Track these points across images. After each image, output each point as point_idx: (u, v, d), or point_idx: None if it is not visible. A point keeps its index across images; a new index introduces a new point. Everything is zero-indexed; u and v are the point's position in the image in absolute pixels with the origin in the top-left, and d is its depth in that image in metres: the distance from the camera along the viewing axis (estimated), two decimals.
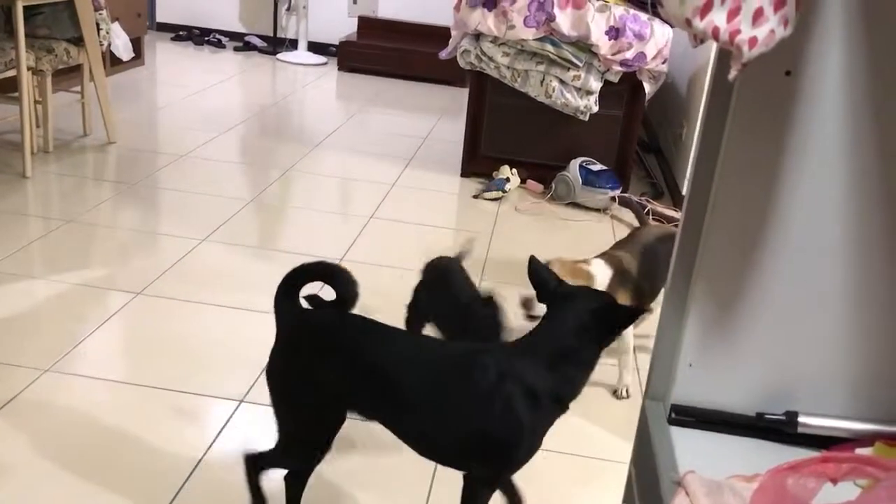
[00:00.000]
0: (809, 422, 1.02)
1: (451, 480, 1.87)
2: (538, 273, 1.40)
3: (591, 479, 1.95)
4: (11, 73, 3.37)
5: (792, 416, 1.02)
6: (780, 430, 1.03)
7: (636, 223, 3.60)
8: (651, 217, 3.61)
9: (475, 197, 3.79)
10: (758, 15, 0.75)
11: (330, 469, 1.81)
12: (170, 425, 1.97)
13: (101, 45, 3.94)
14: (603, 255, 2.30)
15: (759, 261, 1.00)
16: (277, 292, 1.51)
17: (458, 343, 1.61)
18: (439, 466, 1.90)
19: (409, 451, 1.94)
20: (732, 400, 1.06)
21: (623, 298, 2.13)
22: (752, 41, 0.76)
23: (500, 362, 1.34)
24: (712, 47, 0.98)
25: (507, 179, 3.85)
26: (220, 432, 1.96)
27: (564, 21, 3.56)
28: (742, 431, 1.04)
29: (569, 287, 1.40)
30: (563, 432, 2.09)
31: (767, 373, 1.04)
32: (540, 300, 1.41)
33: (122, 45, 4.82)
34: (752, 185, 0.97)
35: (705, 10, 0.74)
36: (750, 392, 1.05)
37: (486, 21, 3.68)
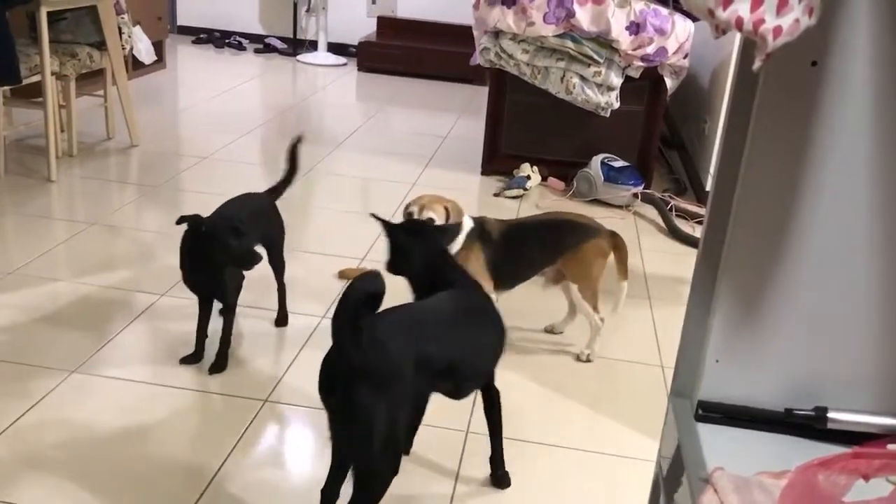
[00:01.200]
0: (839, 417, 1.00)
1: (474, 481, 1.87)
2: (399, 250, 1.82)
3: (617, 477, 1.94)
4: (36, 78, 3.41)
5: (821, 412, 1.01)
6: (809, 426, 1.01)
7: (659, 220, 3.59)
8: (675, 213, 3.59)
9: (496, 195, 3.78)
10: (782, 4, 0.74)
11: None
12: (195, 425, 1.99)
13: (124, 48, 3.98)
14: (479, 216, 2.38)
15: (787, 255, 0.99)
16: (343, 324, 1.41)
17: (453, 292, 1.76)
18: (463, 469, 1.90)
19: (431, 454, 1.95)
20: (760, 396, 1.04)
21: (475, 251, 2.27)
22: (777, 31, 0.74)
23: (478, 293, 1.78)
24: (735, 40, 0.97)
25: (528, 177, 3.84)
26: (244, 432, 1.97)
27: (584, 17, 3.54)
28: (770, 427, 1.03)
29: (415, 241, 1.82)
30: (589, 430, 2.09)
31: (796, 368, 1.03)
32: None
33: (144, 49, 4.87)
34: (778, 179, 0.96)
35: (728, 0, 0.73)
36: (778, 388, 1.04)
37: (505, 18, 3.67)
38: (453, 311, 1.68)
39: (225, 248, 2.06)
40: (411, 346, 1.51)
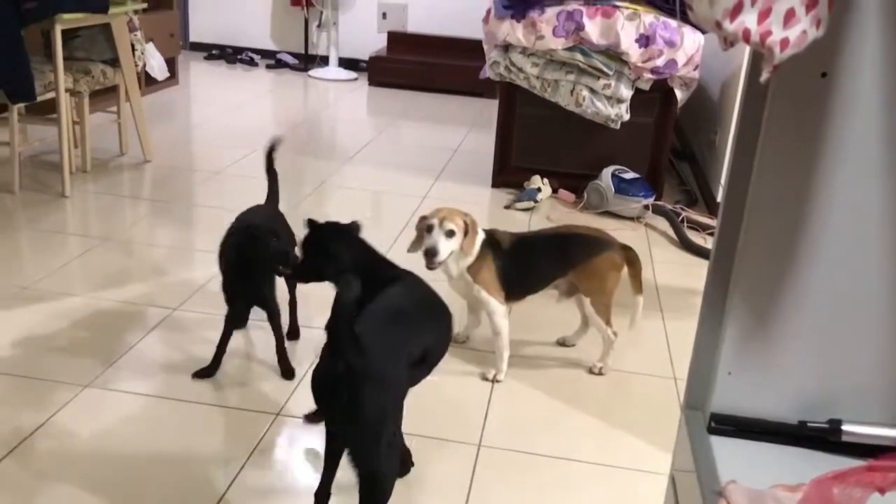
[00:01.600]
0: (854, 430, 1.00)
1: (490, 489, 1.86)
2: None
3: (630, 490, 1.93)
4: (50, 94, 3.45)
5: (836, 425, 1.00)
6: (823, 438, 1.01)
7: (671, 231, 3.58)
8: (686, 225, 3.57)
9: (507, 207, 3.79)
10: (789, 16, 0.74)
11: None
12: (207, 439, 1.99)
13: (137, 65, 4.02)
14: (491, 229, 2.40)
15: (798, 266, 0.98)
16: (342, 331, 1.44)
17: (405, 286, 1.85)
18: (478, 471, 1.90)
19: (442, 469, 1.94)
20: (773, 408, 1.04)
21: (487, 262, 2.28)
22: (784, 42, 0.75)
23: (423, 282, 1.87)
24: (745, 51, 0.97)
25: (539, 189, 3.84)
26: (256, 445, 1.97)
27: (594, 30, 3.55)
28: (784, 440, 1.02)
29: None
30: (601, 443, 2.08)
31: (809, 380, 1.02)
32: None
33: (156, 66, 4.91)
34: (788, 190, 0.96)
35: (735, 12, 0.73)
36: (791, 400, 1.03)
37: (514, 32, 3.68)
38: (415, 304, 1.76)
39: (267, 249, 2.11)
40: (401, 346, 1.57)
